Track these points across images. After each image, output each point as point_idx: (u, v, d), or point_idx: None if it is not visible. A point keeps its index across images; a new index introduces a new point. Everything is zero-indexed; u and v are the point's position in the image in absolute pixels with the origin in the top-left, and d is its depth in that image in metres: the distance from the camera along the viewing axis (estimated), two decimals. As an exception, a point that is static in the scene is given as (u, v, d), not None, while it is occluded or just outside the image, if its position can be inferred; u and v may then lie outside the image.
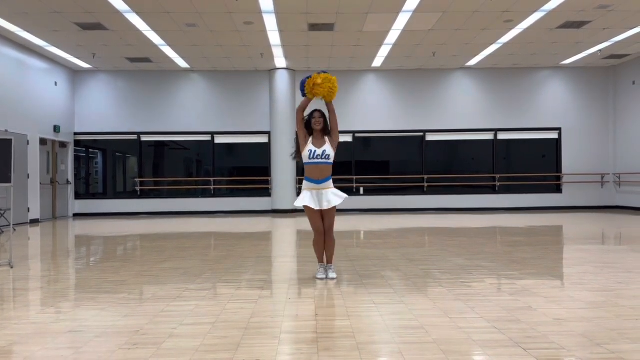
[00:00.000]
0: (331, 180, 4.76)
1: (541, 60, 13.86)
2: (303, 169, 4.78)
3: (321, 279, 4.81)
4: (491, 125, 14.78)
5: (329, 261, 4.90)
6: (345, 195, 4.73)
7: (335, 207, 4.72)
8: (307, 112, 4.85)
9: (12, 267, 5.75)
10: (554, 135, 14.86)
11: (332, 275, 4.81)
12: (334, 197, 4.69)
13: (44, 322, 3.51)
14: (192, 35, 11.13)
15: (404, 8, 9.60)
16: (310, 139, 4.76)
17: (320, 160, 4.67)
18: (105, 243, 8.22)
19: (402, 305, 3.84)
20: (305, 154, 4.72)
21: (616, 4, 9.46)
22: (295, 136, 4.86)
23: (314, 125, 4.75)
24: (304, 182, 4.76)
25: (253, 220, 12.50)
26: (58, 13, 9.64)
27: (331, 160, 4.73)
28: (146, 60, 13.26)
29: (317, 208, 4.64)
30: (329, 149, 4.72)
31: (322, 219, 4.75)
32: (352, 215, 13.37)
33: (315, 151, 4.67)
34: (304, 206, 4.69)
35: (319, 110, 4.85)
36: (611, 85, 14.80)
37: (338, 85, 4.81)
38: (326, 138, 4.79)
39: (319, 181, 4.68)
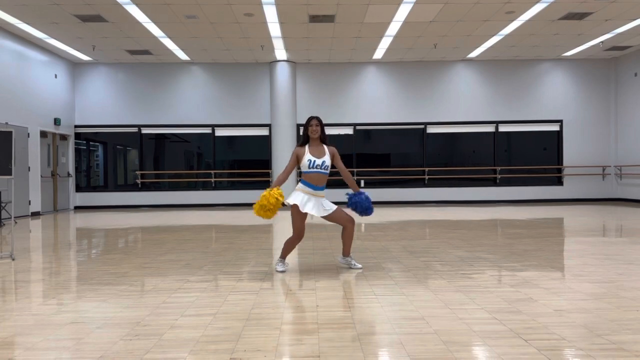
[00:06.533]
0: (325, 190, 4.79)
1: (543, 52, 13.79)
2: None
3: (282, 271, 4.85)
4: (492, 118, 14.74)
5: (347, 254, 5.00)
6: (335, 207, 4.76)
7: (339, 208, 4.78)
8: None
9: (13, 260, 5.77)
10: (555, 127, 14.82)
11: (357, 265, 4.99)
12: (328, 204, 4.74)
13: (45, 313, 3.52)
14: (191, 27, 11.08)
15: (405, -1, 9.54)
16: (307, 147, 4.71)
17: (319, 170, 4.65)
18: (106, 235, 8.23)
19: (402, 296, 3.85)
20: (304, 163, 4.67)
21: (619, -6, 9.40)
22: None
23: (310, 134, 4.71)
24: (301, 184, 4.71)
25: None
26: (57, 5, 9.60)
27: (329, 170, 4.74)
28: (146, 52, 13.21)
29: (312, 213, 4.64)
30: (328, 160, 4.69)
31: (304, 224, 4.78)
32: (352, 208, 13.37)
33: (314, 161, 4.64)
34: (293, 205, 4.65)
35: (316, 118, 4.78)
36: (613, 77, 14.73)
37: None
38: (325, 148, 4.74)
39: (317, 188, 4.68)
